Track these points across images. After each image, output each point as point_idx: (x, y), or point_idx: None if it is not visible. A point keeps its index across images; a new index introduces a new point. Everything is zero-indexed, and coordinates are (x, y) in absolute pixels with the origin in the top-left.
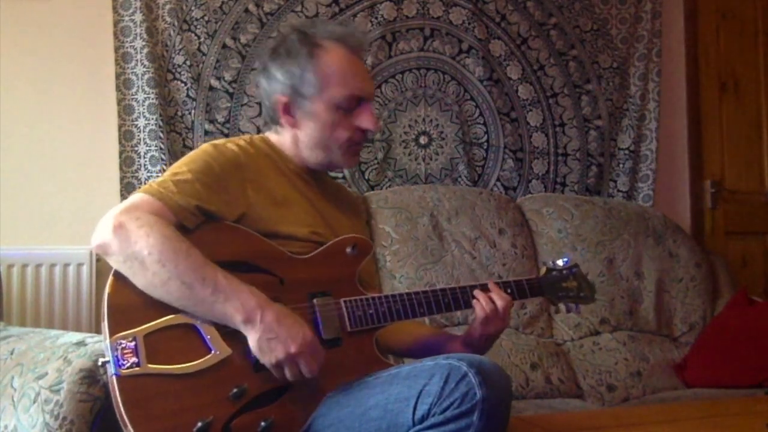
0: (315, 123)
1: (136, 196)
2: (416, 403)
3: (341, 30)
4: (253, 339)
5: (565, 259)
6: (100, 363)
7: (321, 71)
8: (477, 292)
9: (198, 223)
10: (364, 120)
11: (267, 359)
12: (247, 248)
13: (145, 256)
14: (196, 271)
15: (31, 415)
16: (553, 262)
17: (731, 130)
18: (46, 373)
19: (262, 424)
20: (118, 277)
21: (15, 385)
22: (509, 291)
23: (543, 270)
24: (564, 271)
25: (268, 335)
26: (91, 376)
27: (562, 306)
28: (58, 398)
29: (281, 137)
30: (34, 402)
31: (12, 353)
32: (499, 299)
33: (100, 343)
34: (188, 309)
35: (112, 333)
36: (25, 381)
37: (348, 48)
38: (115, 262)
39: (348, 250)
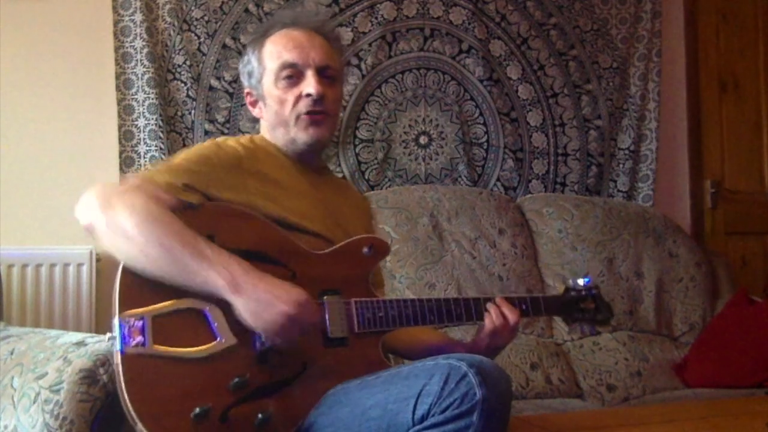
0: (268, 103)
1: (125, 178)
2: (416, 402)
3: (293, 16)
4: (241, 305)
5: (587, 279)
6: (107, 338)
7: (263, 53)
8: (489, 305)
9: (196, 198)
10: (305, 85)
11: (262, 326)
12: (266, 239)
13: (126, 220)
14: (176, 236)
15: (31, 415)
16: (573, 281)
17: (731, 130)
18: (46, 373)
19: (260, 416)
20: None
21: (15, 385)
22: (524, 307)
23: (562, 289)
24: (583, 292)
25: (258, 300)
26: (91, 376)
27: (576, 327)
28: (58, 398)
29: (264, 131)
30: (34, 402)
31: (12, 353)
32: (511, 314)
33: (100, 344)
34: (173, 278)
35: (121, 309)
36: (25, 381)
37: (289, 26)
38: (101, 234)
39: (365, 250)
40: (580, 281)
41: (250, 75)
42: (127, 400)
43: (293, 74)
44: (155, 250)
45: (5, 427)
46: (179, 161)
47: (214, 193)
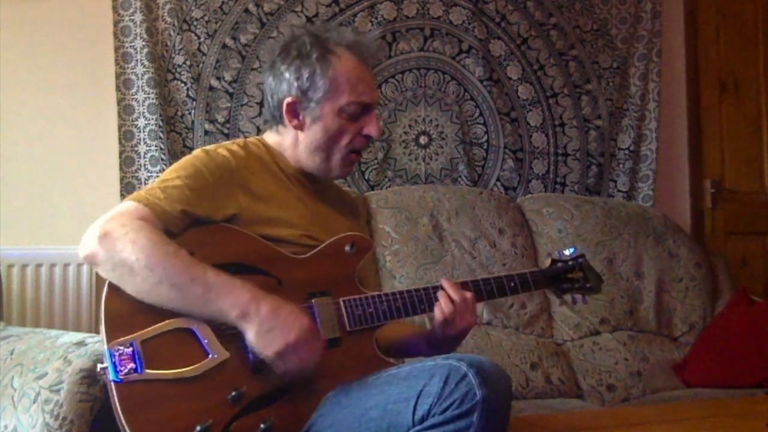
0: (320, 127)
1: (122, 204)
2: (416, 403)
3: (354, 38)
4: (251, 333)
5: (572, 250)
6: (98, 369)
7: (332, 76)
8: (439, 293)
9: (184, 227)
10: (369, 127)
11: (266, 352)
12: (245, 249)
13: (132, 261)
14: (186, 272)
15: (31, 415)
16: (559, 253)
17: (731, 130)
18: (46, 373)
19: (262, 426)
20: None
21: (15, 385)
22: (513, 284)
23: (548, 262)
24: (569, 262)
25: (265, 327)
26: (91, 376)
27: (568, 297)
28: (58, 398)
29: (281, 138)
30: (34, 402)
31: (12, 353)
32: (458, 296)
33: (100, 344)
34: (181, 311)
35: (109, 339)
36: (25, 381)
37: (359, 56)
38: (104, 271)
39: (347, 248)
40: (566, 252)
41: (305, 88)
42: (127, 428)
43: (361, 113)
44: (165, 288)
45: (5, 427)
46: (174, 181)
47: (207, 214)
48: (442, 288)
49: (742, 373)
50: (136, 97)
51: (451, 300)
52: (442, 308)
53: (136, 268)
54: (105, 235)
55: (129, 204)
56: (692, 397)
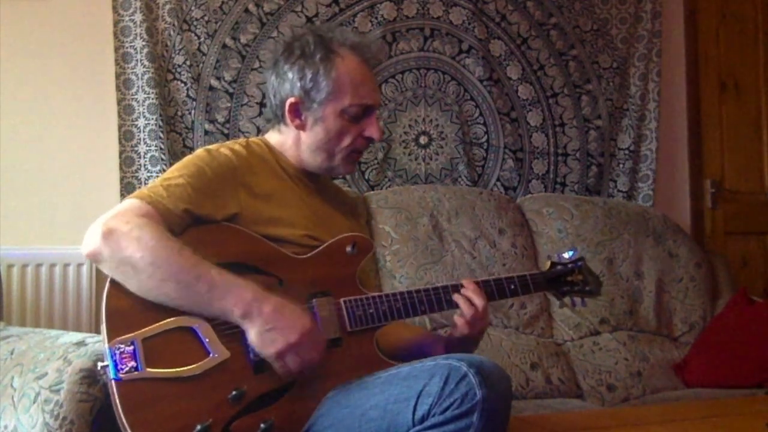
0: (321, 127)
1: (125, 202)
2: (416, 403)
3: (358, 39)
4: (252, 332)
5: (572, 252)
6: (99, 367)
7: (334, 78)
8: (457, 297)
9: (186, 226)
10: (370, 129)
11: (267, 351)
12: (246, 249)
13: (137, 259)
14: (191, 270)
15: (31, 415)
16: (559, 255)
17: (731, 130)
18: (46, 373)
19: (262, 425)
20: (116, 281)
21: (15, 385)
22: (513, 287)
23: (547, 264)
24: (569, 265)
25: (267, 326)
26: (91, 376)
27: (567, 300)
28: (58, 398)
29: (283, 137)
30: (34, 402)
31: (12, 353)
32: (479, 300)
33: (100, 344)
34: (185, 308)
35: (110, 337)
36: (25, 381)
37: (362, 57)
38: (108, 269)
39: (348, 249)
40: (566, 254)
41: (308, 89)
42: (128, 427)
43: (363, 115)
44: (169, 285)
45: (5, 427)
46: (177, 180)
47: (209, 213)
48: (463, 290)
49: (742, 373)
50: (136, 97)
51: (473, 304)
52: (464, 312)
53: (140, 266)
54: (109, 232)
55: (132, 201)
56: (692, 397)
